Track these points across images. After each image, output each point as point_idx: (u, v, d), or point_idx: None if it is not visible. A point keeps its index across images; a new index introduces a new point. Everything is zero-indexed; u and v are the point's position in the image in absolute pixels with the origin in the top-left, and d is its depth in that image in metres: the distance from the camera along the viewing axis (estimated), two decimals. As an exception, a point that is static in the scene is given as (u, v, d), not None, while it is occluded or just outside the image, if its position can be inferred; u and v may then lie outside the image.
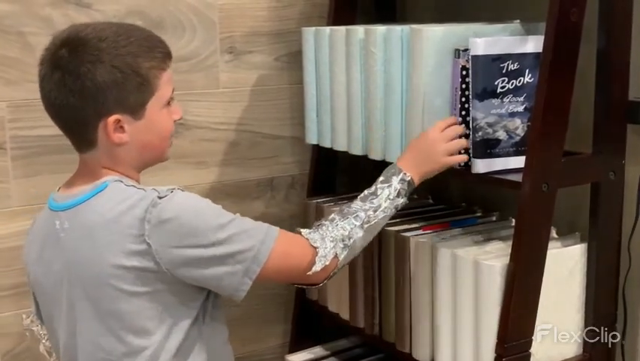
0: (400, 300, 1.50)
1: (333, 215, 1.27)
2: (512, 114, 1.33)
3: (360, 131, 1.55)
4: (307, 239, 1.22)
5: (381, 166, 1.76)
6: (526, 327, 1.32)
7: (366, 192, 1.30)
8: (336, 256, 1.23)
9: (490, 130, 1.32)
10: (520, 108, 1.33)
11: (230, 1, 1.74)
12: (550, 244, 1.33)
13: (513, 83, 1.32)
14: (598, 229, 1.38)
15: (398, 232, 1.49)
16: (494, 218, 1.60)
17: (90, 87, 1.12)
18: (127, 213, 1.12)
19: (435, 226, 1.51)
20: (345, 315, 1.68)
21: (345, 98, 1.58)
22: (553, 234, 1.41)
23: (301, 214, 1.83)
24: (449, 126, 1.33)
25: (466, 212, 1.63)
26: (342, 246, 1.23)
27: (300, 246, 1.22)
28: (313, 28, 1.66)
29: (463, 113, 1.36)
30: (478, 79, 1.30)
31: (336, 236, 1.23)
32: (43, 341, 1.31)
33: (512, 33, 1.40)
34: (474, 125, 1.32)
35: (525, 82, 1.32)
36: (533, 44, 1.32)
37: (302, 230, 1.24)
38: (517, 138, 1.34)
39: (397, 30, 1.42)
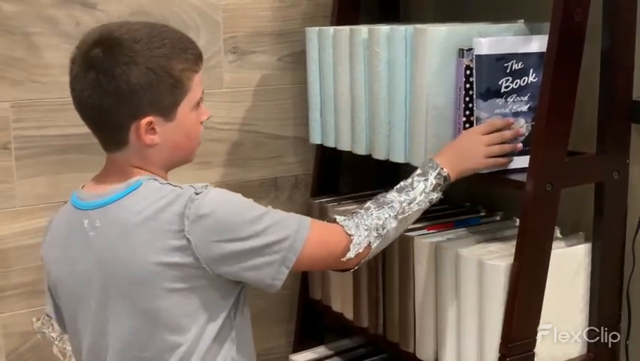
0: (404, 300, 1.50)
1: (368, 203, 1.28)
2: (516, 114, 1.33)
3: (364, 131, 1.55)
4: (342, 226, 1.24)
5: (385, 166, 1.77)
6: (530, 327, 1.32)
7: (402, 183, 1.30)
8: (369, 245, 1.25)
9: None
10: (524, 108, 1.33)
11: (234, 1, 1.74)
12: (554, 244, 1.33)
13: (517, 82, 1.32)
14: (602, 229, 1.38)
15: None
16: (498, 218, 1.59)
17: (125, 89, 1.12)
18: (165, 210, 1.13)
19: (439, 226, 1.51)
20: (349, 315, 1.68)
21: (348, 97, 1.58)
22: (557, 234, 1.42)
23: (305, 214, 1.83)
24: (496, 130, 1.32)
25: (470, 212, 1.63)
26: (375, 235, 1.25)
27: (334, 233, 1.24)
28: (317, 28, 1.66)
29: (467, 112, 1.36)
30: (482, 78, 1.30)
31: (371, 225, 1.25)
32: (56, 342, 1.30)
33: (516, 33, 1.40)
34: (478, 124, 1.32)
35: (529, 82, 1.32)
36: (537, 44, 1.31)
37: (337, 217, 1.26)
38: (521, 138, 1.34)
39: (401, 30, 1.42)
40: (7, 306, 1.59)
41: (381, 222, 1.26)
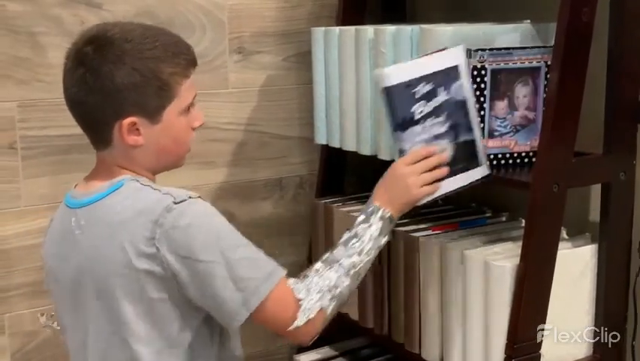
0: (410, 300, 1.50)
1: (317, 265, 1.20)
2: (437, 136, 1.25)
3: (370, 131, 1.55)
4: (292, 290, 1.15)
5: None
6: (535, 328, 1.31)
7: (346, 235, 1.23)
8: (322, 310, 1.16)
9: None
10: (443, 129, 1.26)
11: (240, 1, 1.74)
12: (561, 245, 1.32)
13: (430, 105, 1.25)
14: (608, 230, 1.38)
15: (407, 232, 1.49)
16: (504, 218, 1.59)
17: (109, 87, 1.12)
18: (142, 214, 1.11)
19: (444, 227, 1.51)
20: (354, 315, 1.67)
21: (354, 98, 1.57)
22: (564, 234, 1.41)
23: (310, 215, 1.83)
24: (421, 158, 1.25)
25: (475, 212, 1.63)
26: (329, 298, 1.17)
27: (289, 296, 1.15)
28: (322, 28, 1.65)
29: (474, 113, 1.35)
30: (395, 110, 1.22)
31: (323, 287, 1.17)
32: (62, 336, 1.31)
33: (523, 33, 1.40)
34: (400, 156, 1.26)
35: (442, 101, 1.25)
36: (441, 61, 1.26)
37: (289, 279, 1.17)
38: (448, 160, 1.27)
39: (407, 30, 1.42)
40: (11, 306, 1.59)
41: (333, 283, 1.17)
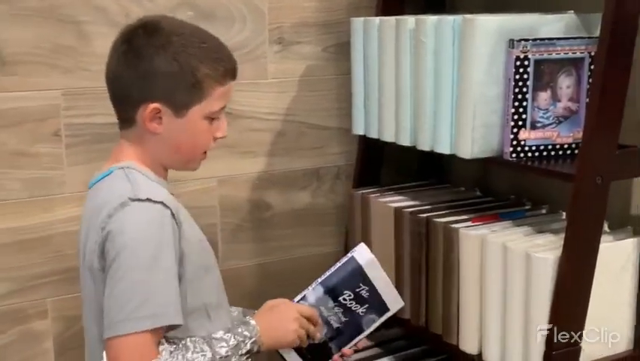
0: (448, 292, 1.49)
1: (187, 342, 1.14)
2: (328, 322, 1.36)
3: (409, 121, 1.54)
4: (156, 351, 1.09)
5: (428, 157, 1.76)
6: (576, 320, 1.31)
7: (219, 334, 1.18)
8: None
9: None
10: (337, 323, 1.36)
11: (280, -9, 1.75)
12: (602, 238, 1.31)
13: (352, 304, 1.35)
14: (651, 223, 1.37)
15: (447, 223, 1.49)
16: (544, 211, 1.58)
17: (146, 68, 1.16)
18: (106, 205, 1.14)
19: (484, 218, 1.50)
20: (390, 306, 1.67)
21: (393, 88, 1.57)
22: (605, 227, 1.39)
23: (347, 205, 1.84)
24: (312, 320, 1.32)
25: (514, 204, 1.62)
26: None
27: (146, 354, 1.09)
28: (362, 18, 1.65)
29: (516, 104, 1.35)
30: (340, 276, 1.35)
31: None
32: None
33: (566, 23, 1.39)
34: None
35: (358, 311, 1.36)
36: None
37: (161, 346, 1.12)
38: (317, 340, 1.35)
39: (449, 20, 1.41)
40: (55, 290, 1.62)
41: None
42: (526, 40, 1.33)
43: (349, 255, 1.35)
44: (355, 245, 1.39)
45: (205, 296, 1.22)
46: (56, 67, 1.56)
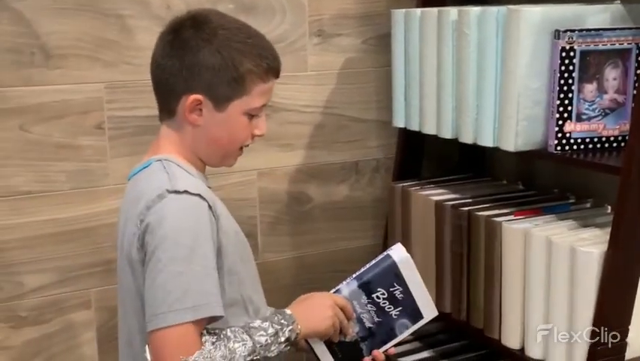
0: (490, 286, 1.48)
1: (228, 332, 1.14)
2: (360, 320, 1.33)
3: (451, 114, 1.53)
4: (200, 341, 1.10)
5: (469, 150, 1.74)
6: (622, 316, 1.29)
7: (257, 323, 1.17)
8: None
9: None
10: (370, 323, 1.33)
11: (320, -16, 1.74)
12: (650, 232, 1.29)
13: (391, 307, 1.33)
14: (701, 218, 1.33)
15: (489, 217, 1.47)
16: (588, 205, 1.55)
17: (190, 59, 1.17)
18: (143, 197, 1.14)
19: (527, 212, 1.48)
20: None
21: (435, 80, 1.56)
22: (652, 222, 1.37)
23: (385, 198, 1.83)
24: (347, 311, 1.30)
25: (558, 198, 1.59)
26: None
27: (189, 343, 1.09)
28: (403, 10, 1.64)
29: (562, 95, 1.33)
30: (374, 273, 1.33)
31: (224, 354, 1.11)
32: None
33: (613, 14, 1.36)
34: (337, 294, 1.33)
35: (393, 312, 1.34)
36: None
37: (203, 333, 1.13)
38: (350, 338, 1.33)
39: (493, 11, 1.39)
40: (98, 281, 1.64)
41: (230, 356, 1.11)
42: (572, 30, 1.31)
43: (385, 252, 1.35)
44: (395, 239, 1.38)
45: (243, 288, 1.23)
46: (99, 60, 1.58)
